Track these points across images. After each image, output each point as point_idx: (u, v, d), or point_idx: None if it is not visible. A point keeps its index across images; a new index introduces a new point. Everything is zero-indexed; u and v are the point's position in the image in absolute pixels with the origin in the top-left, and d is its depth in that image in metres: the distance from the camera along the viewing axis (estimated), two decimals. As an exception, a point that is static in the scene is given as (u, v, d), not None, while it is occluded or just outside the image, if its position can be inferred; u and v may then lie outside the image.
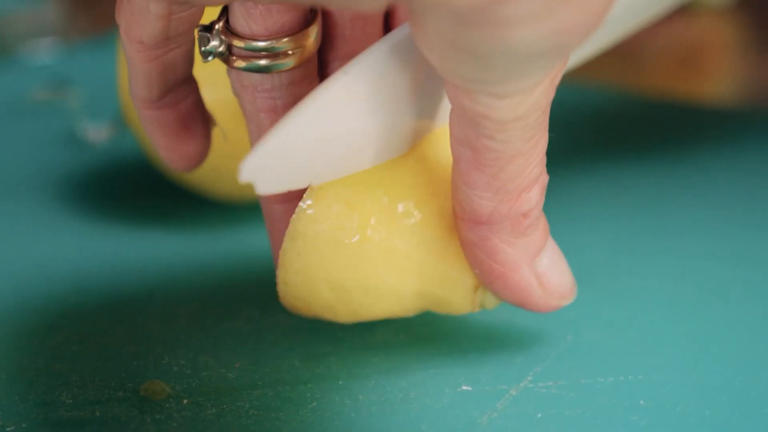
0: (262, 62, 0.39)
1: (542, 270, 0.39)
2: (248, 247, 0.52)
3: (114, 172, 0.61)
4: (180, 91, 0.41)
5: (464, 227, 0.38)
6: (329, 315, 0.41)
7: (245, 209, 0.56)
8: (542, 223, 0.39)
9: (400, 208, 0.39)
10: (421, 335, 0.43)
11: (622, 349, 0.43)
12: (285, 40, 0.38)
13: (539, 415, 0.39)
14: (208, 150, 0.43)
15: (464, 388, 0.41)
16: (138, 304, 0.47)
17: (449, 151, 0.40)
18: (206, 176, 0.53)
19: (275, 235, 0.42)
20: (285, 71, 0.39)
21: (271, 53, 0.39)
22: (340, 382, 0.41)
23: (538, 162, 0.37)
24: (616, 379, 0.41)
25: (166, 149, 0.42)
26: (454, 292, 0.40)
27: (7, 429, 0.38)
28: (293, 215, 0.39)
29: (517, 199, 0.37)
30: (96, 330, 0.45)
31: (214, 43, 0.39)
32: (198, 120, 0.42)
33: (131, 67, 0.39)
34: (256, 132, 0.40)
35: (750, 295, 0.48)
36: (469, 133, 0.35)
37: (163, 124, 0.41)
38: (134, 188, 0.59)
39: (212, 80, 0.47)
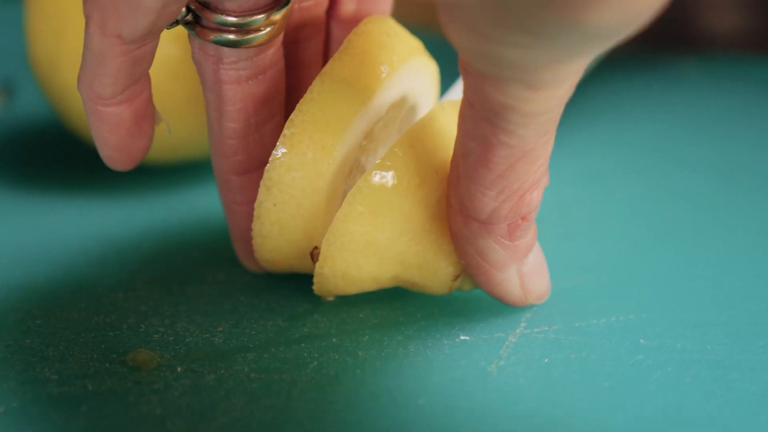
0: (231, 36, 0.37)
1: (525, 271, 0.39)
2: (187, 209, 0.50)
3: (24, 139, 0.58)
4: (138, 86, 0.38)
5: (459, 221, 0.38)
6: (307, 265, 0.40)
7: (170, 171, 0.54)
8: (533, 227, 0.39)
9: (384, 202, 0.38)
10: (402, 288, 0.42)
11: (603, 291, 0.43)
12: (259, 16, 0.37)
13: (546, 360, 0.38)
14: (149, 147, 0.40)
15: (462, 338, 0.40)
16: (93, 275, 0.44)
17: (438, 140, 0.39)
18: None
19: (232, 207, 0.41)
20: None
21: (242, 29, 0.37)
22: (334, 340, 0.40)
23: (544, 161, 0.36)
24: (608, 320, 0.41)
25: (113, 148, 0.39)
26: (433, 280, 0.40)
27: (-3, 410, 0.36)
28: (267, 164, 0.38)
29: (519, 200, 0.36)
30: (57, 303, 0.42)
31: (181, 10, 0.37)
32: (148, 116, 0.39)
33: (97, 63, 0.36)
34: (215, 102, 0.39)
35: (703, 232, 0.49)
36: (485, 129, 0.34)
37: (116, 122, 0.38)
38: (50, 155, 0.56)
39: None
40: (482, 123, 0.34)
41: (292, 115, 0.38)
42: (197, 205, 0.50)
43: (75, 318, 0.41)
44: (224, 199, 0.41)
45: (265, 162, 0.40)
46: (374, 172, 0.38)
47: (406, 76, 0.40)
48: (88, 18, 0.36)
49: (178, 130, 0.50)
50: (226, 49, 0.37)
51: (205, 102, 0.40)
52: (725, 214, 0.51)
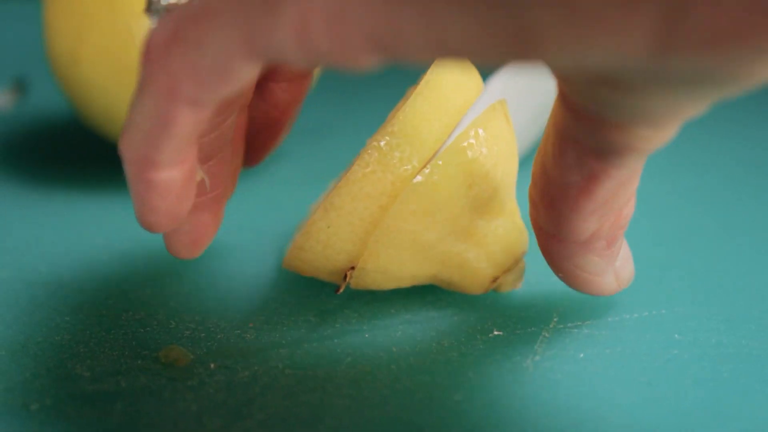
0: None
1: (618, 266, 0.39)
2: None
3: (42, 137, 0.58)
4: (192, 147, 0.33)
5: (554, 244, 0.37)
6: (334, 279, 0.40)
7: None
8: None
9: (436, 201, 0.38)
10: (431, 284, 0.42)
11: (633, 286, 0.43)
12: None
13: (581, 355, 0.38)
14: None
15: (496, 333, 0.40)
16: (119, 271, 0.44)
17: (491, 143, 0.38)
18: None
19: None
20: None
21: None
22: (366, 336, 0.39)
23: (638, 177, 0.35)
24: (640, 315, 0.41)
25: (161, 214, 0.33)
26: (471, 281, 0.40)
27: (32, 407, 0.35)
28: (333, 189, 0.38)
29: (618, 217, 0.36)
30: (84, 300, 0.42)
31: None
32: (194, 176, 0.34)
33: (158, 128, 0.31)
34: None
35: (731, 227, 0.48)
36: (593, 164, 0.33)
37: (167, 187, 0.33)
38: (69, 152, 0.56)
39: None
40: (589, 159, 0.33)
41: (370, 149, 0.37)
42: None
43: (104, 314, 0.41)
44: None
45: (214, 156, 0.37)
46: (430, 171, 0.38)
47: (471, 112, 0.40)
48: (149, 81, 0.30)
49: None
50: None
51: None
52: (753, 209, 0.50)
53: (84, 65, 0.49)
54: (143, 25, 0.47)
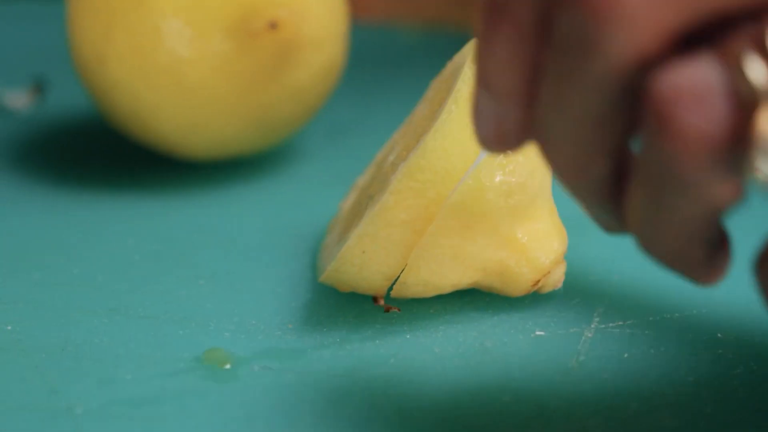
0: None
1: None
2: (238, 205, 0.50)
3: (68, 138, 0.57)
4: None
5: None
6: (372, 293, 0.40)
7: (215, 167, 0.53)
8: None
9: (475, 215, 0.38)
10: (470, 284, 0.42)
11: (670, 285, 0.42)
12: None
13: (626, 355, 0.38)
14: None
15: (538, 333, 0.39)
16: (152, 272, 0.44)
17: (528, 152, 0.38)
18: (175, 135, 0.50)
19: None
20: None
21: None
22: (408, 336, 0.39)
23: None
24: (681, 314, 0.40)
25: None
26: (512, 286, 0.40)
27: (77, 411, 0.35)
28: (366, 216, 0.38)
29: None
30: (120, 302, 0.41)
31: None
32: None
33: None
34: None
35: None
36: None
37: None
38: (96, 153, 0.55)
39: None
40: None
41: (400, 175, 0.37)
42: (247, 202, 0.50)
43: (141, 316, 0.40)
44: None
45: None
46: (466, 188, 0.37)
47: None
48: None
49: (225, 126, 0.49)
50: None
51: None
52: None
53: (110, 65, 0.48)
54: (171, 23, 0.47)
